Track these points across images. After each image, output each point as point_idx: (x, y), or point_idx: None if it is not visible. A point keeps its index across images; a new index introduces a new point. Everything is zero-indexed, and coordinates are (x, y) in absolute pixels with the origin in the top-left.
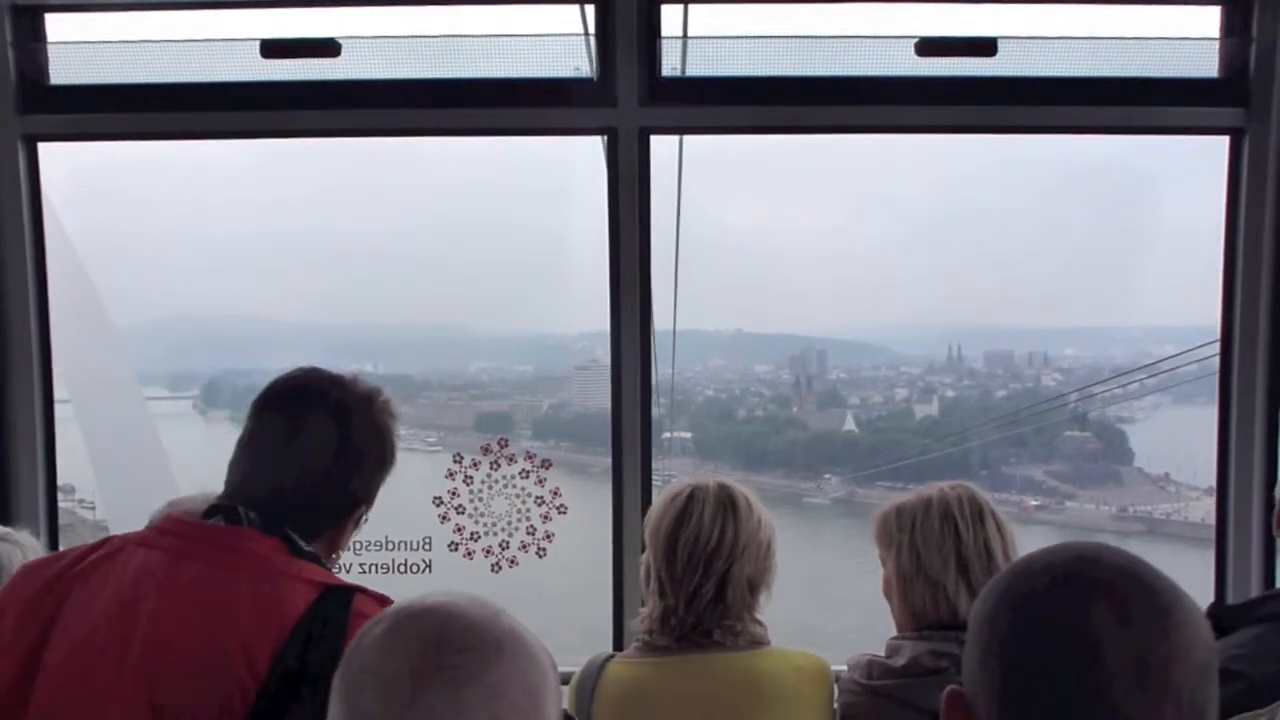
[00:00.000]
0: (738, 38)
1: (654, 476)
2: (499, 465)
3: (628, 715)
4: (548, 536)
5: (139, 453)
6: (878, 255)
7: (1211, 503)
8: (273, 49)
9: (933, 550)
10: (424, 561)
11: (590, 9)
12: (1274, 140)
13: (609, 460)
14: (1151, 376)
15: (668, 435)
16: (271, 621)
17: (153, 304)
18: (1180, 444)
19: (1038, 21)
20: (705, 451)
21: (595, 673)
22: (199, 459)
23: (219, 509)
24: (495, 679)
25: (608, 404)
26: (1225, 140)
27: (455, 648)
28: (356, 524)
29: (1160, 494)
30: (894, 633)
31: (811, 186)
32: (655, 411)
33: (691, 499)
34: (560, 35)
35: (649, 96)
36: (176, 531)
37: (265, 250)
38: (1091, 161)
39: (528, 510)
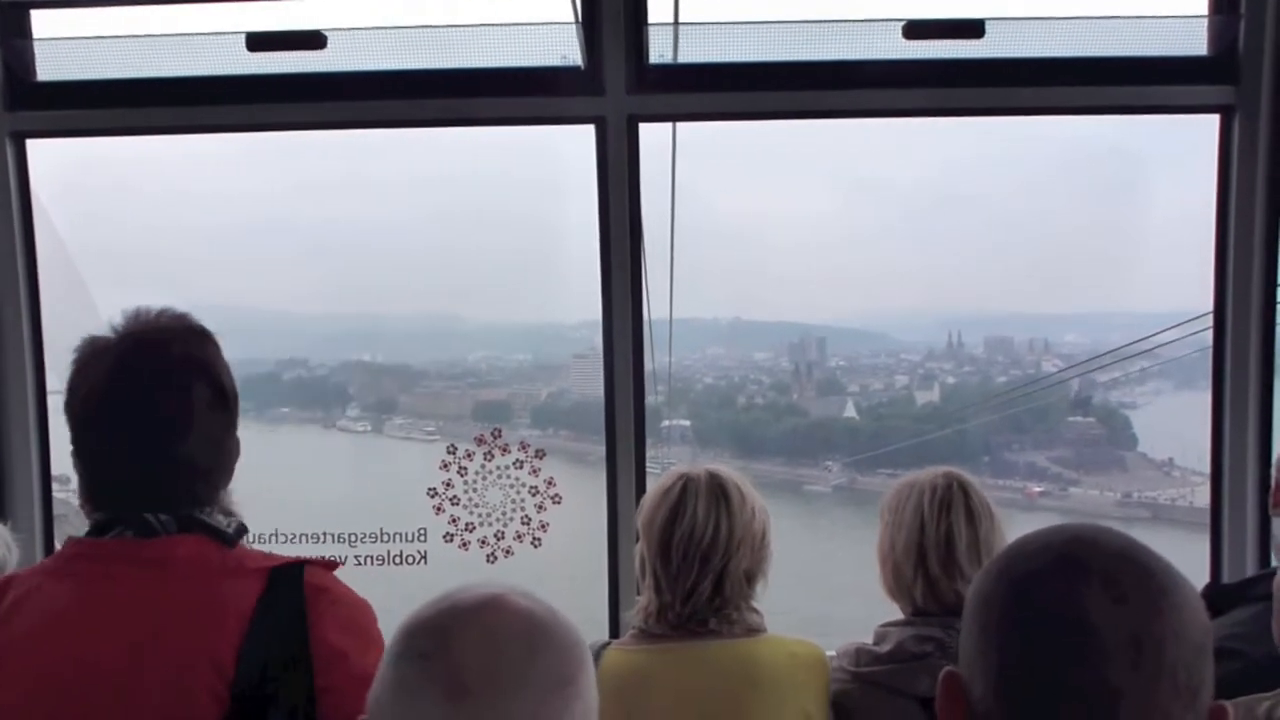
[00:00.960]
0: (726, 23)
1: (654, 464)
2: (493, 456)
3: (624, 702)
4: (542, 526)
5: None
6: (875, 241)
7: None
8: (258, 42)
9: (901, 536)
10: (419, 553)
11: None
12: (1264, 117)
13: None
14: (1142, 353)
15: (666, 423)
16: (226, 626)
17: (149, 296)
18: (1183, 429)
19: (1025, 2)
20: (705, 439)
21: (592, 660)
22: None
23: (113, 522)
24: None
25: None
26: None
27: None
28: None
29: (1165, 480)
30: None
31: (808, 173)
32: (654, 400)
33: (684, 492)
34: (547, 24)
35: (637, 84)
36: (91, 556)
37: (260, 242)
38: (1091, 145)
39: (522, 500)
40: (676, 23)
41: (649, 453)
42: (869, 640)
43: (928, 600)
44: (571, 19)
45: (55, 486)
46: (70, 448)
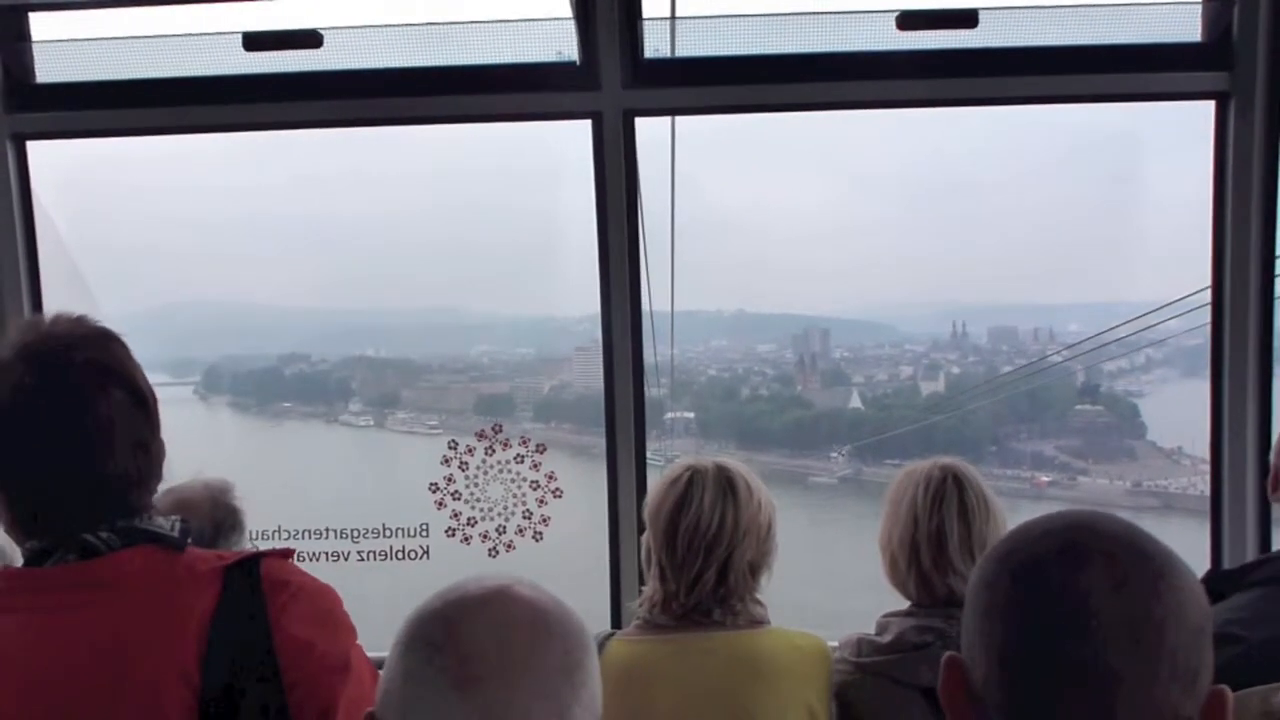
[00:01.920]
0: (720, 17)
1: (657, 457)
2: (494, 450)
3: (629, 692)
4: (544, 520)
5: None
6: (878, 232)
7: None
8: (255, 42)
9: (897, 529)
10: (421, 548)
11: None
12: (1259, 103)
13: None
14: (1137, 332)
15: (670, 415)
16: (187, 635)
17: (152, 292)
18: (1192, 417)
19: None
20: (709, 431)
21: (596, 650)
22: (198, 442)
23: (51, 549)
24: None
25: None
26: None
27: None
28: None
29: (1174, 468)
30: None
31: (812, 164)
32: (657, 392)
33: (691, 483)
34: (542, 20)
35: (632, 79)
36: (33, 588)
37: (262, 237)
38: (1095, 132)
39: (523, 495)
40: (672, 17)
41: (653, 445)
42: (871, 631)
43: (920, 593)
44: (567, 15)
45: None
46: None
